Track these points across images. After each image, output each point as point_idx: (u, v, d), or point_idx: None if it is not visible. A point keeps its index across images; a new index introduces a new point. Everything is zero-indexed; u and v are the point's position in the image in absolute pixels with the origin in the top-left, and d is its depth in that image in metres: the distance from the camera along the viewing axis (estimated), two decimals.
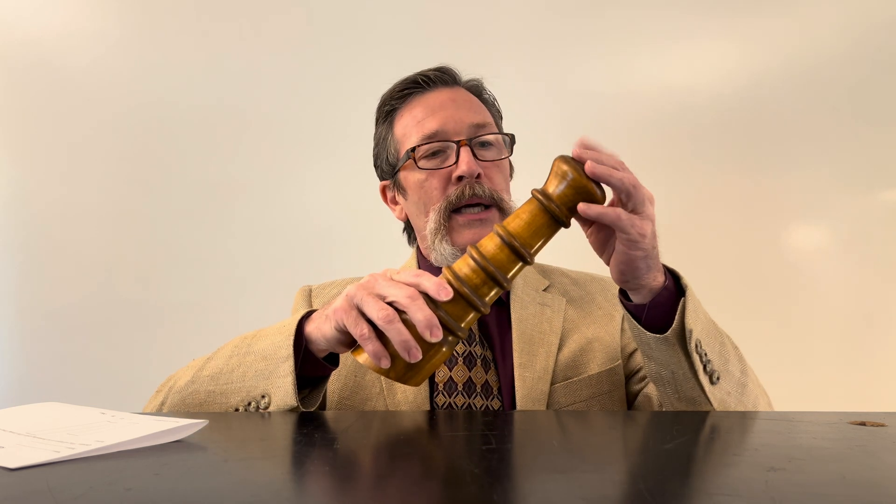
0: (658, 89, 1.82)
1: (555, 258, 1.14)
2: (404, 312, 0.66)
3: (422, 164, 0.99)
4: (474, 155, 0.97)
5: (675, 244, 1.81)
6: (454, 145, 0.97)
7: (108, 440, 0.53)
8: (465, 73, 1.08)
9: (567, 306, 1.03)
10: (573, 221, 0.73)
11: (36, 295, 1.79)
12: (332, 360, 0.80)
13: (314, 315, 0.78)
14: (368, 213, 1.76)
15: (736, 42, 1.82)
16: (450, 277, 0.68)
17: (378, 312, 0.65)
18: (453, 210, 0.97)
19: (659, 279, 0.77)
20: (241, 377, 0.79)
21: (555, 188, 0.71)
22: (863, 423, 0.63)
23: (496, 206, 0.97)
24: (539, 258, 1.12)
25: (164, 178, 1.81)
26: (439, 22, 1.82)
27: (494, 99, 1.10)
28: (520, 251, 0.70)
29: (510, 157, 1.08)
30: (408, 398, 0.93)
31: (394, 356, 0.66)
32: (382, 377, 0.95)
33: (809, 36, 1.79)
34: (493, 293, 0.70)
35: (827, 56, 1.77)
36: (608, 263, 0.78)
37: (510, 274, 0.70)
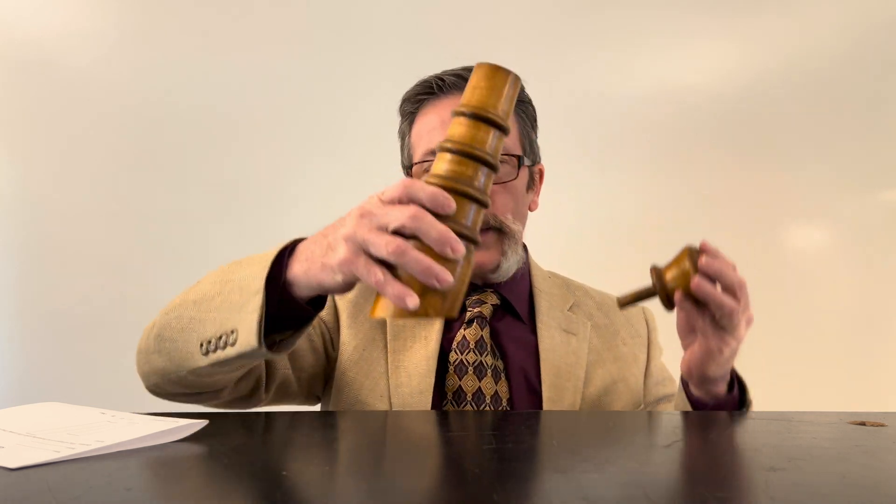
0: (658, 89, 1.82)
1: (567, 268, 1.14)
2: (414, 237, 0.58)
3: (425, 176, 0.98)
4: None
5: (675, 244, 1.81)
6: None
7: (108, 440, 0.53)
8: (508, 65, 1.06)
9: (592, 333, 1.02)
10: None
11: (36, 295, 1.79)
12: (317, 303, 0.71)
13: (302, 250, 0.68)
14: None
15: (736, 42, 1.82)
16: (435, 182, 0.61)
17: (386, 247, 0.57)
18: None
19: (723, 388, 0.81)
20: (218, 306, 0.72)
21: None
22: (863, 423, 0.63)
23: (494, 230, 0.96)
24: (555, 256, 1.12)
25: (164, 177, 1.81)
26: (440, 23, 1.82)
27: (529, 101, 1.05)
28: (488, 118, 0.63)
29: (538, 165, 1.06)
30: (411, 383, 0.93)
31: (421, 293, 0.58)
32: (388, 359, 0.94)
33: (810, 36, 1.79)
34: (485, 178, 0.63)
35: (827, 56, 1.77)
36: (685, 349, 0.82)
37: (488, 146, 0.63)
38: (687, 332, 0.80)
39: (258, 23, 1.83)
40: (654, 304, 1.12)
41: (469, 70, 1.00)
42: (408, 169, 1.04)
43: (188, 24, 1.83)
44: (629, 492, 0.41)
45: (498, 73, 0.65)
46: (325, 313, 1.00)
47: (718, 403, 0.81)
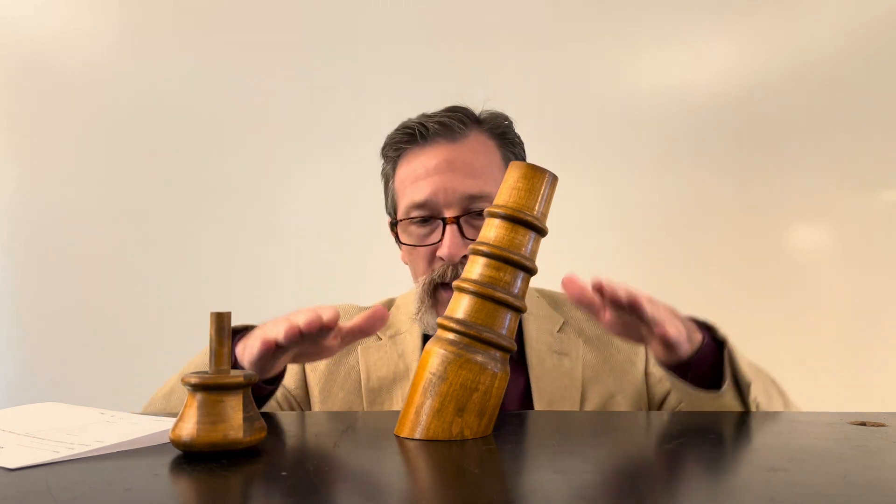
0: (658, 89, 1.82)
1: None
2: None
3: (411, 230, 0.96)
4: (462, 233, 0.92)
5: (675, 244, 1.82)
6: (441, 221, 0.93)
7: (107, 440, 0.53)
8: (488, 98, 1.00)
9: (585, 348, 0.98)
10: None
11: (36, 295, 1.79)
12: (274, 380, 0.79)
13: (251, 333, 0.75)
14: (370, 215, 1.76)
15: (736, 41, 1.82)
16: (469, 287, 0.61)
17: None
18: (438, 285, 0.94)
19: (697, 338, 0.74)
20: (180, 397, 0.81)
21: None
22: (863, 423, 0.63)
23: None
24: (556, 257, 1.11)
25: (164, 177, 1.81)
26: (440, 24, 1.82)
27: (519, 141, 1.03)
28: (526, 220, 0.61)
29: None
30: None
31: (462, 414, 0.58)
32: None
33: (810, 35, 1.79)
34: (522, 283, 0.61)
35: (827, 55, 1.77)
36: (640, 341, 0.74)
37: (525, 250, 0.61)
38: (625, 326, 0.73)
39: (257, 21, 1.83)
40: (659, 285, 1.11)
41: (455, 111, 0.98)
42: (393, 224, 1.01)
43: (187, 24, 1.83)
44: (629, 492, 0.41)
45: (535, 173, 0.62)
46: (293, 386, 0.98)
47: (699, 355, 0.74)
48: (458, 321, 0.60)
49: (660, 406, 0.98)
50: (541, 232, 0.63)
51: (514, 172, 0.64)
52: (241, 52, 1.83)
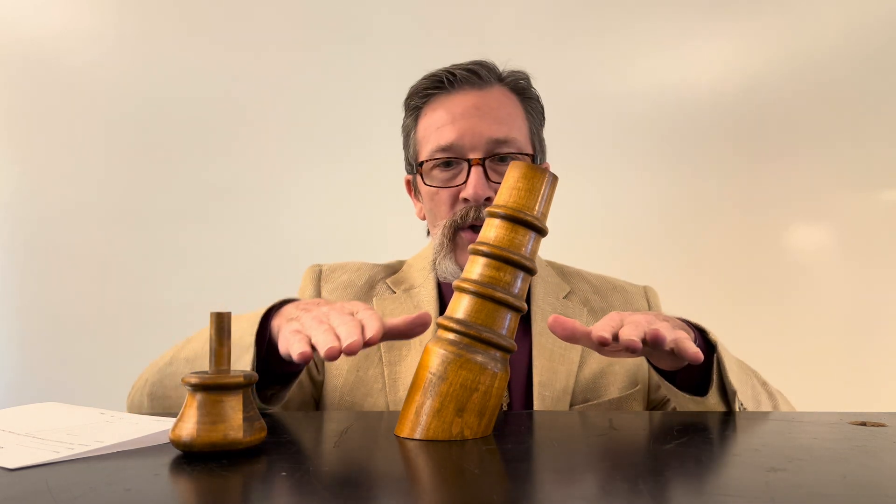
0: (658, 89, 1.82)
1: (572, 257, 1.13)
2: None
3: (434, 173, 0.96)
4: (487, 176, 0.93)
5: (675, 244, 1.82)
6: (466, 163, 0.94)
7: (107, 440, 0.53)
8: (509, 59, 1.02)
9: (588, 318, 1.00)
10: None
11: (36, 295, 1.79)
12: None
13: (284, 309, 0.72)
14: (371, 215, 1.76)
15: (736, 41, 1.82)
16: (469, 287, 0.61)
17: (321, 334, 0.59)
18: (459, 228, 0.95)
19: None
20: (180, 367, 0.78)
21: None
22: (863, 424, 0.63)
23: None
24: (556, 257, 1.11)
25: (164, 177, 1.81)
26: (439, 22, 1.82)
27: (538, 97, 1.04)
28: (526, 220, 0.61)
29: (544, 164, 1.04)
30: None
31: (462, 414, 0.58)
32: (385, 373, 0.94)
33: (810, 35, 1.79)
34: (522, 284, 0.61)
35: (828, 55, 1.77)
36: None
37: (525, 250, 0.61)
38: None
39: (258, 21, 1.83)
40: (659, 285, 1.12)
41: (481, 65, 0.99)
42: (416, 167, 1.01)
43: (188, 24, 1.83)
44: (629, 492, 0.41)
45: (535, 173, 0.63)
46: None
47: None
48: (458, 321, 0.60)
49: (657, 389, 0.98)
50: (541, 232, 0.63)
51: (513, 172, 0.64)
52: (242, 53, 1.83)
